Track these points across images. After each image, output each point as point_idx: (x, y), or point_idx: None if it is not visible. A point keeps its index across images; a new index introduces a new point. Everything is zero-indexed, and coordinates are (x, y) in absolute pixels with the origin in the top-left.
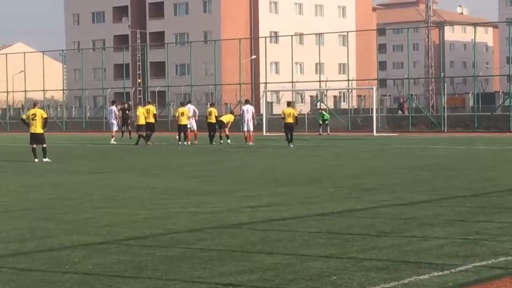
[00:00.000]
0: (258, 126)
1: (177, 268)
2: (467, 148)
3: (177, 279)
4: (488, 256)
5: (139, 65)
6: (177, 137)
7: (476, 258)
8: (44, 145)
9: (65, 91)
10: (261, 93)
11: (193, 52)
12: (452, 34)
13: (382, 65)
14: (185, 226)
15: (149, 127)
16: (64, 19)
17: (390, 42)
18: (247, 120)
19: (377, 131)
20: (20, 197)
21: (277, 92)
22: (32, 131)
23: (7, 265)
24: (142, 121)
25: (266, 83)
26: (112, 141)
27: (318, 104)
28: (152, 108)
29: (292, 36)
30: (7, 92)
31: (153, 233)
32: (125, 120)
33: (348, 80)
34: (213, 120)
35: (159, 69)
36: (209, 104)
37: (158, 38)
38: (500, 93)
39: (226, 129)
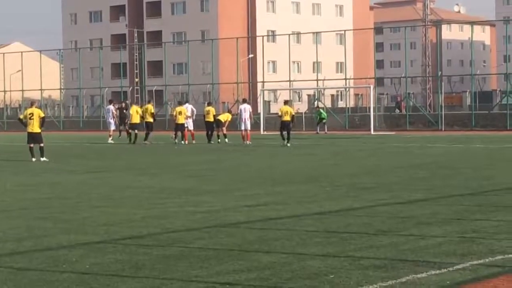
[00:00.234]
0: (255, 125)
1: (174, 267)
2: (464, 146)
3: (174, 278)
4: (486, 254)
5: (136, 64)
6: (174, 136)
7: (474, 256)
8: (42, 145)
9: (62, 91)
10: (259, 92)
11: (191, 51)
12: (449, 33)
13: (379, 64)
14: (183, 225)
15: (148, 126)
16: (62, 19)
17: (388, 41)
18: (245, 119)
19: (374, 130)
20: (18, 196)
21: (274, 91)
22: (30, 130)
23: (5, 264)
24: (135, 120)
25: (263, 82)
26: (110, 140)
27: (316, 103)
28: (150, 107)
29: (289, 35)
30: (5, 91)
31: (151, 232)
32: (123, 119)
33: (345, 79)
34: (211, 119)
35: (156, 68)
36: (206, 103)
37: (156, 37)
38: (497, 91)
39: (224, 128)
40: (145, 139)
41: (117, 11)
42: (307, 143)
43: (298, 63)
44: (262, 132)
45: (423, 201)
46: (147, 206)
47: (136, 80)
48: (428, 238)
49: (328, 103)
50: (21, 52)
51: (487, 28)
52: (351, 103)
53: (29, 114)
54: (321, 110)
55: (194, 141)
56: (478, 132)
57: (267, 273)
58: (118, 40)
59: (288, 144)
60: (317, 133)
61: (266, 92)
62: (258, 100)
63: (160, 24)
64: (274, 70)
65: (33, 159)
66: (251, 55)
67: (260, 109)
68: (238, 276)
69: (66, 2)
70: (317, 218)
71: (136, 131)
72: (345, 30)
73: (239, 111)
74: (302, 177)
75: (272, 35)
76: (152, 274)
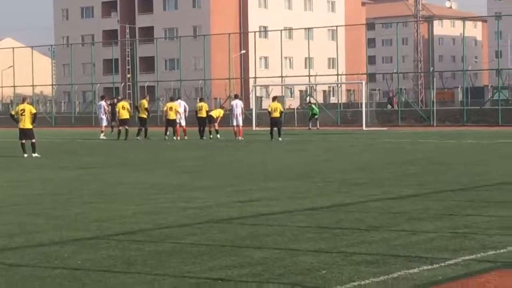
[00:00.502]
0: (247, 121)
1: (166, 263)
2: (456, 142)
3: (166, 274)
4: (477, 249)
5: (128, 60)
6: (165, 131)
7: (465, 251)
8: (33, 140)
9: (54, 86)
10: (251, 87)
11: (182, 47)
12: (441, 29)
13: (371, 60)
14: (175, 221)
15: (141, 121)
16: (53, 14)
17: (379, 37)
18: (237, 115)
19: (366, 126)
20: (9, 193)
21: (266, 86)
22: (21, 126)
23: None
24: (123, 116)
25: (255, 77)
26: (102, 136)
27: (308, 98)
28: (144, 103)
29: (281, 30)
30: None
31: (143, 228)
32: (115, 115)
33: (337, 75)
34: (204, 115)
35: (148, 64)
36: (198, 99)
37: (147, 33)
38: (489, 87)
39: (216, 124)
40: (137, 134)
41: (108, 7)
42: (299, 139)
43: (290, 59)
44: (254, 128)
45: (415, 196)
46: (139, 202)
47: (128, 76)
48: (420, 234)
49: (320, 99)
50: (13, 48)
51: (479, 23)
52: (343, 99)
53: (21, 110)
54: (313, 106)
55: (186, 137)
56: (469, 127)
57: (259, 269)
58: (110, 36)
59: (280, 139)
60: (309, 128)
61: (258, 88)
62: (250, 96)
63: (152, 20)
64: (266, 66)
65: (25, 155)
66: (243, 51)
67: (252, 104)
68: (231, 272)
69: None
70: (309, 213)
71: (126, 127)
72: (337, 26)
73: (231, 107)
74: (294, 173)
75: (264, 31)
76: (144, 269)
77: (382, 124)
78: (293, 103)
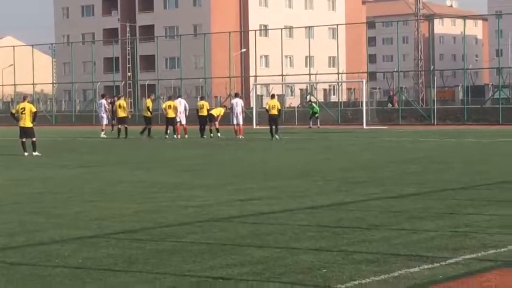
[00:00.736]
0: (248, 119)
1: (167, 262)
2: (457, 141)
3: (167, 272)
4: (478, 248)
5: (128, 58)
6: (165, 130)
7: (466, 250)
8: (34, 139)
9: (54, 85)
10: (251, 86)
11: (183, 46)
12: (441, 27)
13: (372, 58)
14: (175, 220)
15: (145, 120)
16: (54, 13)
17: (380, 35)
18: (237, 113)
19: (367, 124)
20: (10, 191)
21: (267, 85)
22: (21, 125)
23: None
24: (120, 114)
25: (256, 76)
26: (102, 135)
27: (308, 97)
28: (147, 102)
29: (281, 29)
30: None
31: (143, 226)
32: (116, 113)
33: (338, 73)
34: (205, 114)
35: (149, 62)
36: (199, 97)
37: (148, 32)
38: (490, 85)
39: (216, 123)
40: (141, 132)
41: (109, 5)
42: (300, 137)
43: (290, 57)
44: (254, 126)
45: (415, 195)
46: (139, 200)
47: (129, 74)
48: (421, 233)
49: (321, 97)
50: (13, 46)
51: (479, 22)
52: (344, 98)
53: (21, 108)
54: (314, 105)
55: (186, 136)
56: (470, 126)
57: (260, 268)
58: (111, 35)
59: (277, 137)
60: (310, 127)
61: (258, 86)
62: (251, 94)
63: (153, 18)
64: (267, 65)
65: (25, 154)
66: (243, 50)
67: (253, 103)
68: (231, 271)
69: None
70: (309, 212)
71: (125, 125)
72: (337, 25)
73: (231, 106)
74: (295, 172)
75: (264, 30)
76: (145, 268)
77: (382, 122)
78: (294, 101)
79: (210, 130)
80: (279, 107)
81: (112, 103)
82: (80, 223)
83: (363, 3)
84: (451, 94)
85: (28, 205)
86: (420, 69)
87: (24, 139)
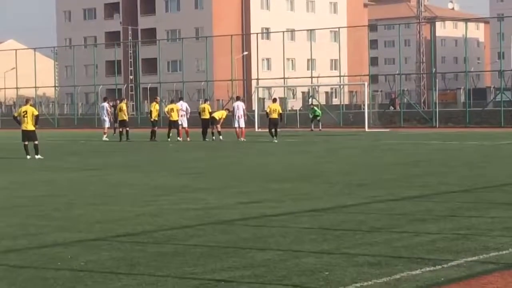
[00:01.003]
0: (250, 122)
1: (169, 265)
2: (459, 143)
3: (169, 275)
4: (480, 251)
5: (130, 61)
6: (167, 133)
7: (468, 253)
8: (36, 142)
9: (56, 88)
10: (253, 89)
11: (185, 49)
12: (443, 30)
13: (373, 61)
14: (177, 223)
15: (153, 124)
16: (56, 16)
17: (382, 38)
18: (238, 116)
19: (369, 127)
20: (12, 194)
21: (269, 88)
22: (24, 128)
23: (0, 262)
24: (120, 117)
25: (258, 79)
26: (104, 138)
27: (310, 100)
28: (153, 106)
29: (283, 32)
30: None
31: (145, 229)
32: (117, 116)
33: (339, 76)
34: (206, 117)
35: (150, 65)
36: (201, 100)
37: (150, 35)
38: (492, 88)
39: (218, 126)
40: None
41: (111, 9)
42: (302, 140)
43: (292, 60)
44: (256, 129)
45: (417, 198)
46: (141, 203)
47: (131, 77)
48: (423, 235)
49: (323, 100)
50: (15, 49)
51: (481, 25)
52: (346, 100)
53: (23, 112)
54: (315, 108)
55: (188, 139)
56: (472, 129)
57: (262, 270)
58: (112, 38)
59: (276, 140)
60: (312, 130)
61: (260, 89)
62: (253, 97)
63: (154, 21)
64: (269, 68)
65: (28, 157)
66: (245, 53)
67: (255, 106)
68: (233, 273)
69: None
70: (311, 215)
71: (127, 128)
72: (339, 28)
73: (233, 109)
74: (297, 174)
75: (266, 33)
76: (147, 271)
77: (384, 125)
78: (296, 104)
79: (212, 133)
80: (280, 111)
81: (114, 107)
82: (82, 226)
83: (365, 6)
84: (453, 96)
85: (31, 208)
86: (422, 72)
87: (26, 142)
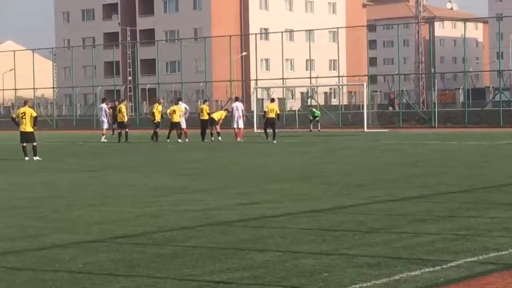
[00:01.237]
0: (249, 123)
1: (168, 266)
2: (458, 143)
3: (168, 277)
4: (479, 251)
5: (129, 62)
6: (168, 134)
7: (467, 253)
8: (35, 143)
9: (55, 89)
10: (252, 89)
11: (184, 49)
12: (442, 30)
13: (372, 61)
14: (176, 224)
15: (157, 125)
16: (54, 17)
17: (381, 38)
18: (237, 117)
19: (368, 127)
20: (11, 196)
21: (267, 88)
22: (22, 129)
23: None
24: (118, 118)
25: (256, 79)
26: (103, 139)
27: (309, 100)
28: (156, 107)
29: (282, 32)
30: None
31: (144, 231)
32: (116, 117)
33: (338, 77)
34: (205, 117)
35: (149, 66)
36: (200, 101)
37: (148, 36)
38: (491, 88)
39: (218, 126)
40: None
41: (109, 9)
42: (301, 140)
43: (291, 61)
44: (255, 130)
45: (417, 198)
46: (140, 204)
47: (129, 78)
48: (422, 236)
49: (321, 101)
50: (14, 51)
51: (480, 25)
52: (344, 101)
53: (22, 113)
54: (314, 109)
55: (187, 140)
56: (471, 129)
57: (261, 272)
58: (111, 39)
59: (275, 141)
60: (311, 130)
61: (259, 90)
62: (252, 98)
63: (153, 22)
64: (267, 68)
65: (26, 158)
66: (244, 53)
67: (254, 107)
68: (232, 275)
69: (59, 0)
70: (310, 216)
71: (126, 129)
72: (338, 28)
73: (231, 109)
74: (296, 175)
75: (265, 33)
76: (146, 273)
77: (383, 125)
78: (294, 104)
79: (211, 134)
80: (278, 111)
81: (113, 108)
82: (81, 228)
83: (364, 6)
84: (452, 97)
85: (29, 210)
86: (420, 72)
87: (25, 144)
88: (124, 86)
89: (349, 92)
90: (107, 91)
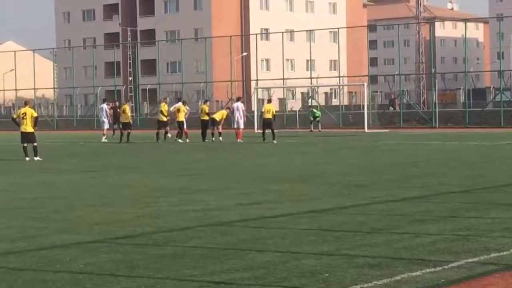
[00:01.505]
0: (249, 123)
1: (168, 267)
2: (458, 144)
3: (168, 277)
4: (480, 252)
5: (130, 63)
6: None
7: (468, 254)
8: (35, 144)
9: (56, 90)
10: (252, 90)
11: (184, 50)
12: (442, 30)
13: (373, 62)
14: (177, 225)
15: (160, 124)
16: (55, 17)
17: (381, 38)
18: (238, 117)
19: (368, 128)
20: (11, 196)
21: (268, 89)
22: (23, 130)
23: None
24: (122, 119)
25: (257, 80)
26: (104, 139)
27: (309, 101)
28: (163, 106)
29: (283, 33)
30: None
31: (145, 231)
32: (116, 118)
33: (339, 77)
34: (205, 117)
35: (150, 66)
36: (201, 101)
37: (149, 36)
38: (491, 88)
39: (219, 127)
40: (164, 137)
41: (110, 10)
42: (301, 141)
43: (291, 61)
44: (256, 130)
45: (417, 198)
46: (141, 205)
47: (130, 78)
48: (423, 236)
49: (322, 101)
50: (14, 51)
51: (481, 25)
52: (345, 101)
53: (22, 113)
54: (314, 110)
55: (188, 140)
56: (472, 129)
57: (262, 272)
58: (112, 39)
59: (275, 141)
60: (311, 131)
61: (260, 90)
62: (252, 98)
63: (154, 22)
64: (268, 68)
65: (27, 159)
66: (244, 53)
67: (254, 107)
68: (233, 275)
69: (59, 0)
70: (311, 216)
71: (128, 130)
72: (338, 28)
73: (232, 110)
74: (296, 175)
75: (265, 33)
76: (147, 273)
77: (384, 126)
78: (295, 105)
79: (213, 134)
80: (274, 112)
81: (113, 108)
82: (82, 228)
83: (364, 6)
84: (453, 97)
85: (30, 210)
86: (421, 72)
87: (25, 144)
88: (124, 87)
89: (350, 93)
90: (108, 92)
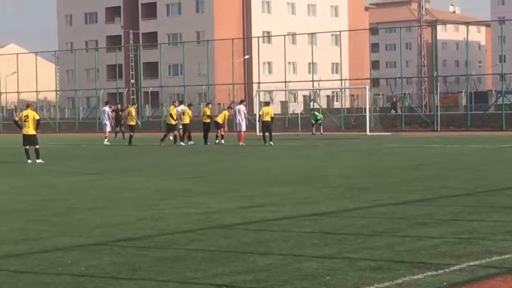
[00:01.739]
0: (251, 126)
1: (170, 269)
2: (460, 147)
3: (170, 280)
4: (482, 255)
5: (132, 65)
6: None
7: (470, 257)
8: (37, 146)
9: (58, 92)
10: (254, 93)
11: (186, 53)
12: (444, 33)
13: (375, 65)
14: (179, 227)
15: (169, 128)
16: (57, 20)
17: (383, 42)
18: (239, 120)
19: (370, 131)
20: (13, 199)
21: (270, 92)
22: (25, 132)
23: (0, 267)
24: (128, 122)
25: (259, 83)
26: (106, 142)
27: (311, 104)
28: (172, 109)
29: (284, 36)
30: (0, 93)
31: (147, 234)
32: (118, 120)
33: (341, 80)
34: (206, 120)
35: (152, 69)
36: (203, 104)
37: (151, 39)
38: (493, 91)
39: (223, 129)
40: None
41: (112, 13)
42: (303, 144)
43: (293, 64)
44: (258, 133)
45: (419, 201)
46: (143, 207)
47: (132, 81)
48: (425, 239)
49: (324, 104)
50: (17, 53)
51: (482, 28)
52: (347, 104)
53: (24, 116)
54: (316, 113)
55: (192, 142)
56: (473, 132)
57: (264, 275)
58: (114, 42)
59: (272, 143)
60: (313, 134)
61: (262, 93)
62: (254, 101)
63: (156, 25)
64: (270, 71)
65: (29, 161)
66: (246, 56)
67: (256, 110)
68: (234, 278)
69: (62, 3)
70: (313, 219)
71: (131, 133)
72: (340, 31)
73: (234, 112)
74: (298, 178)
75: (267, 36)
76: (148, 276)
77: (386, 129)
78: (297, 108)
79: (216, 137)
80: (272, 115)
81: (115, 110)
82: (83, 231)
83: (366, 9)
84: (454, 100)
85: (31, 213)
86: (423, 75)
87: (27, 147)
88: (126, 89)
89: (352, 95)
90: (110, 94)
